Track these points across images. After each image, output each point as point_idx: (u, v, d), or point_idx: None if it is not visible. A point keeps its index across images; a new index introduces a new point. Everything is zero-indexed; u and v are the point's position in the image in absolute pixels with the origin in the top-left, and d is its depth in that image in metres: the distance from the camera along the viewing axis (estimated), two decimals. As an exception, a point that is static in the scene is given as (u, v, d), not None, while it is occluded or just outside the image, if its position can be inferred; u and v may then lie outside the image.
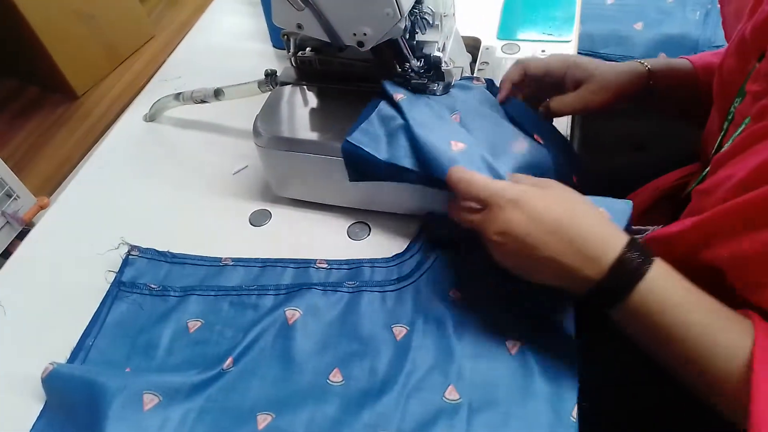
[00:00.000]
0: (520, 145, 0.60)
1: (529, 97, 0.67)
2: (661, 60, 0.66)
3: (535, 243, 0.47)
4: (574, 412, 0.50)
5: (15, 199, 1.46)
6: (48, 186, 1.80)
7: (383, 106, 0.64)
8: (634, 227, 0.63)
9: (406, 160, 0.59)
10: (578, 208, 0.48)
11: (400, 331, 0.57)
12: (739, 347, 0.42)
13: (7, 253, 1.44)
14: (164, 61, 0.98)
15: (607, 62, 0.66)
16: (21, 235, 1.47)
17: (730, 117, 0.50)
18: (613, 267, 0.45)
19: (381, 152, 0.61)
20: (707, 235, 0.47)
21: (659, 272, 0.45)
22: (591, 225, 0.47)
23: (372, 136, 0.62)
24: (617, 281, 0.45)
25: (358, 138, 0.61)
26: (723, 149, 0.48)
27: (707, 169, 0.51)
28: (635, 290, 0.44)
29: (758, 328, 0.42)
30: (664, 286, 0.44)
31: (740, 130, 0.46)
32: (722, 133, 0.51)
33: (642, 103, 0.66)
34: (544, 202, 0.48)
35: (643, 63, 0.66)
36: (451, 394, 0.53)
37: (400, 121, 0.61)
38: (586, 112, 0.66)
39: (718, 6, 1.22)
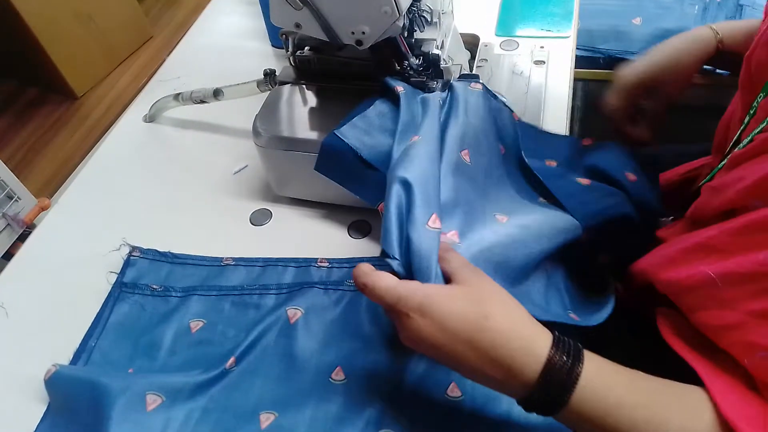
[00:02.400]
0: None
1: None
2: (732, 24, 0.67)
3: (450, 353, 0.42)
4: None
5: (16, 200, 1.46)
6: (49, 187, 1.81)
7: (379, 105, 0.64)
8: None
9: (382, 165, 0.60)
10: (494, 312, 0.42)
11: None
12: (696, 425, 0.40)
13: (8, 255, 1.44)
14: (163, 62, 0.98)
15: (671, 41, 0.68)
16: (22, 237, 1.47)
17: (752, 111, 0.49)
18: (540, 378, 0.40)
19: (364, 151, 0.61)
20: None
21: (592, 371, 0.41)
22: (507, 331, 0.41)
23: (359, 133, 0.62)
24: (548, 392, 0.40)
25: (345, 132, 0.61)
26: (742, 144, 0.47)
27: (722, 163, 0.50)
28: (571, 399, 0.40)
29: (714, 396, 0.40)
30: (600, 386, 0.41)
31: (761, 127, 0.45)
32: (743, 127, 0.51)
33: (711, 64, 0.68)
34: (453, 308, 0.42)
35: (713, 29, 0.66)
36: (454, 391, 0.53)
37: (389, 125, 0.62)
38: (673, 101, 0.68)
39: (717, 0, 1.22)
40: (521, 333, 0.42)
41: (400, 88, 0.63)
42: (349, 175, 0.62)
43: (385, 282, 0.44)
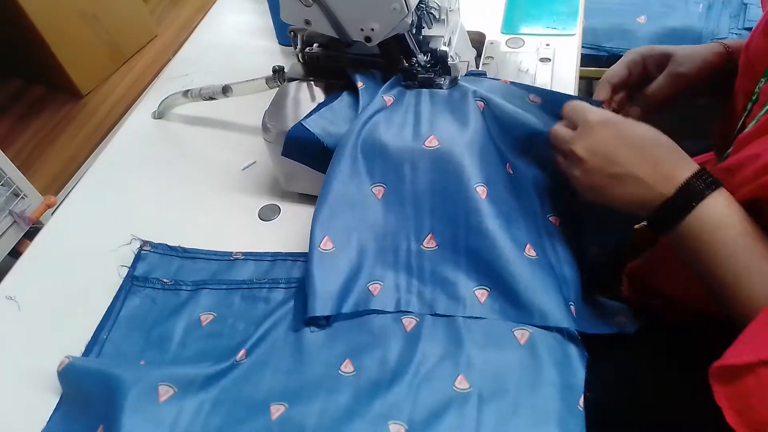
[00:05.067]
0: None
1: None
2: (738, 40, 0.66)
3: (619, 159, 0.51)
4: (581, 401, 0.51)
5: (22, 198, 1.47)
6: (54, 185, 1.82)
7: (345, 97, 0.67)
8: None
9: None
10: (659, 133, 0.51)
11: (409, 321, 0.58)
12: None
13: (15, 252, 1.45)
14: (170, 60, 0.99)
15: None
16: (28, 234, 1.48)
17: (754, 97, 0.51)
18: (682, 186, 0.48)
19: (327, 140, 0.63)
20: None
21: (721, 199, 0.47)
22: (670, 148, 0.51)
23: (325, 123, 0.65)
24: (683, 199, 0.48)
25: (310, 123, 0.64)
26: (747, 129, 0.48)
27: (729, 150, 0.51)
28: (696, 209, 0.47)
29: None
30: (723, 209, 0.47)
31: (765, 110, 0.47)
32: (746, 113, 0.52)
33: (724, 83, 0.65)
34: (630, 123, 0.52)
35: (721, 42, 0.66)
36: (461, 383, 0.53)
37: (353, 115, 0.65)
38: (681, 89, 0.66)
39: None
40: (680, 153, 0.50)
41: (360, 83, 0.65)
42: (315, 159, 0.65)
43: (575, 102, 0.56)
